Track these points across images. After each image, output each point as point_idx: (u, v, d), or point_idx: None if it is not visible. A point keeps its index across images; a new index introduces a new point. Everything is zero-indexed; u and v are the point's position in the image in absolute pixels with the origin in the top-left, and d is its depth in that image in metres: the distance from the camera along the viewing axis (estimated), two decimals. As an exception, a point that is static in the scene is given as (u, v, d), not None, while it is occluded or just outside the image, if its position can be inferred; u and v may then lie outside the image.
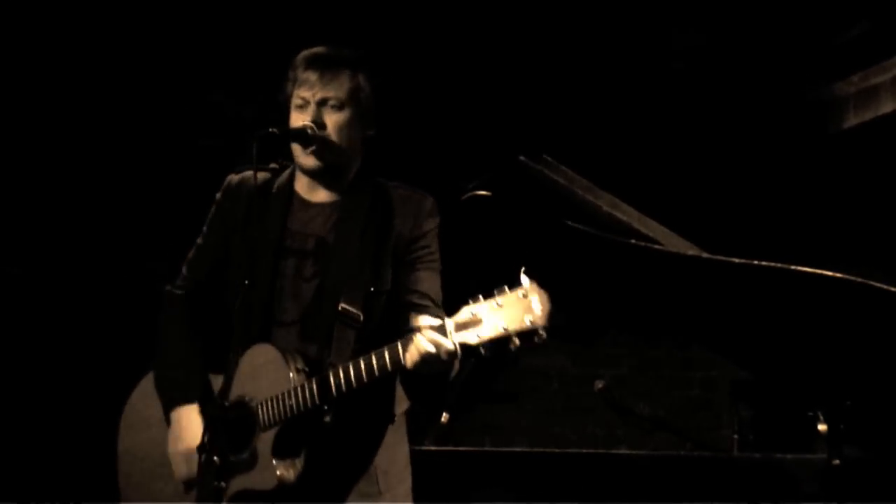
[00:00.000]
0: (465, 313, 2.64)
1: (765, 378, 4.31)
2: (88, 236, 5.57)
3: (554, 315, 2.54)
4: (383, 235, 3.04)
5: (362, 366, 2.83)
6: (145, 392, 3.26)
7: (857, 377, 3.77)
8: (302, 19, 5.68)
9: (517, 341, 2.56)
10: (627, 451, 4.59)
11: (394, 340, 2.83)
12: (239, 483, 2.94)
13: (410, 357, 2.74)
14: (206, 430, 3.05)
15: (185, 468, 3.06)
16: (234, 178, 3.21)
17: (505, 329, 2.56)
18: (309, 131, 3.04)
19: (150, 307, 5.52)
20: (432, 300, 3.02)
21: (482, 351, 2.62)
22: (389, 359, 2.79)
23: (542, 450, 4.21)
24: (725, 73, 5.93)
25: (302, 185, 3.14)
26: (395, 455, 3.11)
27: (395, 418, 3.10)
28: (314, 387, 2.88)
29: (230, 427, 2.91)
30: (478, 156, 5.48)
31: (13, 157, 5.50)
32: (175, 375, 3.16)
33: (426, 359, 2.71)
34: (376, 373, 2.81)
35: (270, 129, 3.03)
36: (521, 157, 3.94)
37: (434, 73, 5.73)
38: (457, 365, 2.80)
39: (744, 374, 4.54)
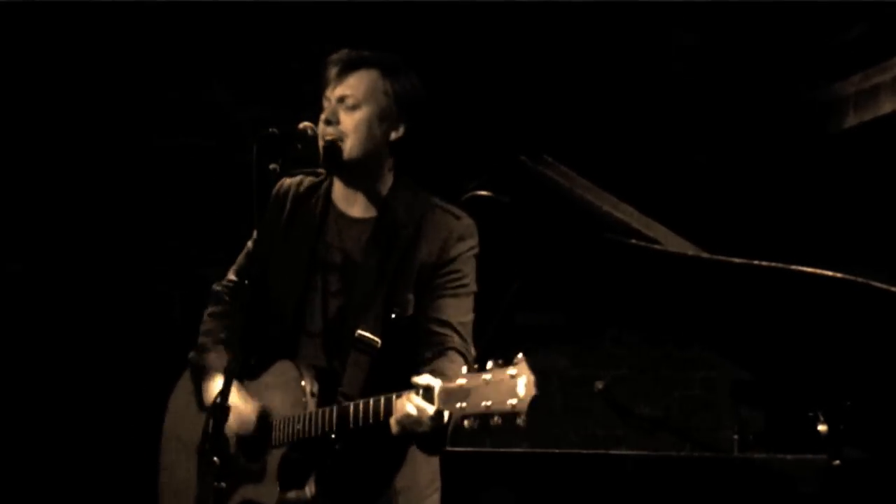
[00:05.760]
0: (455, 384, 2.66)
1: (765, 378, 4.31)
2: (88, 235, 5.56)
3: (536, 401, 2.57)
4: (408, 260, 3.01)
5: (350, 413, 2.85)
6: (183, 386, 3.29)
7: (858, 377, 3.76)
8: (302, 20, 5.68)
9: (499, 420, 2.59)
10: (627, 452, 4.58)
11: (409, 369, 2.85)
12: (246, 491, 3.00)
13: (395, 416, 2.76)
14: (206, 430, 3.09)
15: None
16: (285, 180, 3.22)
17: (487, 407, 2.59)
18: (309, 132, 3.05)
19: (148, 306, 5.57)
20: (454, 328, 2.99)
21: (465, 424, 2.66)
22: (373, 413, 2.81)
23: (542, 450, 4.20)
24: (725, 73, 5.93)
25: (339, 196, 3.14)
26: (417, 473, 3.08)
27: None
28: (317, 419, 2.90)
29: (251, 433, 3.00)
30: (478, 156, 5.48)
31: (13, 156, 5.50)
32: (206, 358, 3.18)
33: (409, 419, 2.73)
34: (360, 423, 2.84)
35: (271, 130, 3.03)
36: (521, 157, 3.94)
37: (434, 73, 5.72)
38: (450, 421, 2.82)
39: (744, 374, 4.53)
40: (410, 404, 2.71)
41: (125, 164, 5.63)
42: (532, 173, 3.92)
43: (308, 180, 3.20)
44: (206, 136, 5.73)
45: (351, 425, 2.85)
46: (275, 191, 3.21)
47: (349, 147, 3.03)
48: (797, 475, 3.91)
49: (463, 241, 3.05)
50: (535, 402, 2.57)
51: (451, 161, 5.45)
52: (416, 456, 3.05)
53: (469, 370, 2.65)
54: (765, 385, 4.37)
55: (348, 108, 3.04)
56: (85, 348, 5.48)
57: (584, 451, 4.21)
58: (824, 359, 3.77)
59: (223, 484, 2.85)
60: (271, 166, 3.01)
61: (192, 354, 3.24)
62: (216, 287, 3.31)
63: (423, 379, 2.73)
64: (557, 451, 4.15)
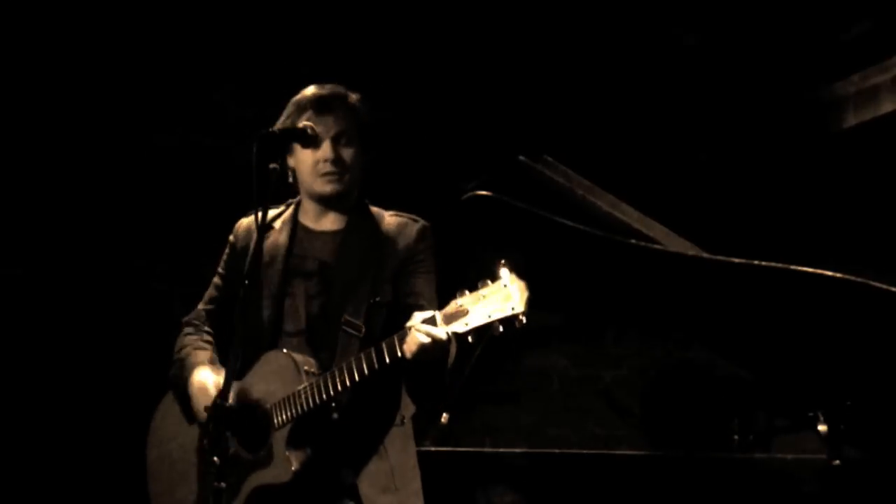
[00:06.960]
0: (452, 306, 2.85)
1: (765, 378, 4.31)
2: (87, 234, 5.56)
3: (532, 301, 2.76)
4: (381, 257, 3.23)
5: (363, 360, 2.99)
6: (168, 407, 3.41)
7: (858, 377, 3.77)
8: (304, 20, 5.68)
9: (501, 328, 2.77)
10: (627, 452, 4.58)
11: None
12: (256, 479, 3.12)
13: (408, 348, 2.92)
14: (206, 431, 3.13)
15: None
16: (243, 220, 3.41)
17: (489, 316, 2.77)
18: (309, 131, 3.16)
19: (148, 307, 5.56)
20: (427, 301, 3.20)
21: (469, 339, 2.83)
22: (388, 351, 2.95)
23: (542, 450, 4.21)
24: (725, 73, 5.93)
25: (307, 216, 3.32)
26: (404, 456, 3.26)
27: (404, 421, 3.26)
28: (321, 384, 3.04)
29: (247, 428, 3.13)
30: (478, 156, 5.48)
31: (13, 157, 5.50)
32: (187, 360, 3.33)
33: (423, 348, 2.89)
34: (376, 365, 2.97)
35: (271, 130, 3.10)
36: (521, 157, 3.94)
37: (434, 73, 5.73)
38: (453, 350, 3.01)
39: (744, 374, 4.53)
40: (420, 333, 2.88)
41: (125, 162, 5.62)
42: (532, 173, 3.93)
43: (270, 211, 3.31)
44: (206, 135, 5.73)
45: (365, 373, 2.97)
46: (234, 231, 3.41)
47: (350, 180, 3.25)
48: (797, 475, 3.91)
49: (425, 238, 3.30)
50: (531, 303, 2.75)
51: (452, 161, 5.45)
52: (400, 436, 3.24)
53: (460, 294, 2.83)
54: (765, 385, 4.37)
55: (345, 145, 3.22)
56: (84, 347, 5.47)
57: (584, 451, 4.22)
58: (825, 359, 3.78)
59: (223, 484, 2.88)
60: (271, 166, 3.06)
61: (172, 380, 3.35)
62: (185, 319, 3.46)
63: (419, 315, 2.92)
64: (557, 451, 4.16)
